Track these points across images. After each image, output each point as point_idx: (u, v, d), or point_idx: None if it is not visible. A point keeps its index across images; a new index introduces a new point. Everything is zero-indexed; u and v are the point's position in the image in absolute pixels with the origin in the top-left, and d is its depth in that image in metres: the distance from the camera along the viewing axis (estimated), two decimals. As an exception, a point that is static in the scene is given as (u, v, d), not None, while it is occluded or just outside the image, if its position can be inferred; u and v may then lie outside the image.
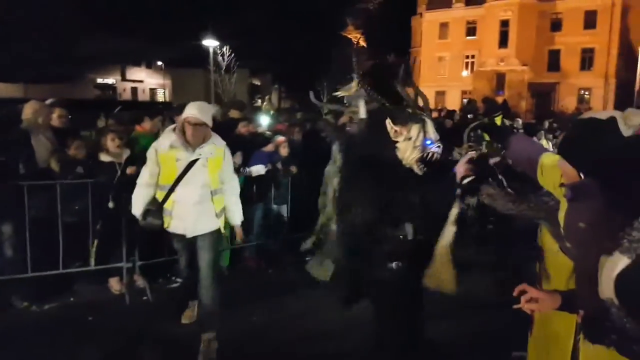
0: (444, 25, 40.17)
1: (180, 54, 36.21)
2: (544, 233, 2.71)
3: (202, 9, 32.52)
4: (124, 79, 41.92)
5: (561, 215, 2.28)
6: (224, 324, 3.63)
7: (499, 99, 31.35)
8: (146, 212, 3.49)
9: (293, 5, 33.21)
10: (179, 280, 4.68)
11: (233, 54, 35.00)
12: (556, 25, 36.37)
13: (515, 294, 1.72)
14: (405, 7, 41.48)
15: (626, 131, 1.69)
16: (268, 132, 6.60)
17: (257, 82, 45.09)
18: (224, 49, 34.07)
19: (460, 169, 2.56)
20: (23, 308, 4.21)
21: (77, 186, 4.39)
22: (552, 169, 2.37)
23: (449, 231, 2.57)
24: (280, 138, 5.64)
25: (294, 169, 5.48)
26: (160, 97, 43.50)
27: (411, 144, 2.58)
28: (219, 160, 3.55)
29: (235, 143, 4.86)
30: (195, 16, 31.90)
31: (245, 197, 4.65)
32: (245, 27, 34.00)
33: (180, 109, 5.74)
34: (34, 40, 27.18)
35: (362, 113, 3.57)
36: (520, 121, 14.50)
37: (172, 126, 3.64)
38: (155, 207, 3.48)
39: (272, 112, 10.90)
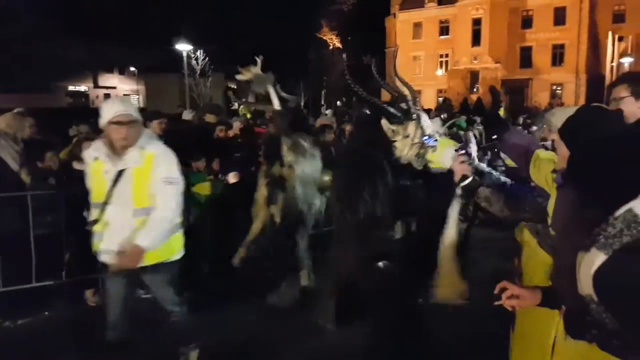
0: (417, 25, 40.57)
1: (154, 59, 35.72)
2: (522, 228, 2.74)
3: (174, 13, 32.15)
4: (96, 85, 41.15)
5: (550, 204, 2.30)
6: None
7: (474, 97, 31.86)
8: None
9: (268, 8, 33.11)
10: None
11: (207, 58, 34.69)
12: (527, 22, 37.09)
13: (496, 291, 1.74)
14: (379, 8, 41.74)
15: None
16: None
17: (233, 86, 44.82)
18: (198, 52, 33.74)
19: (457, 168, 2.49)
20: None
21: (50, 197, 4.28)
22: (547, 163, 2.38)
23: (450, 233, 2.50)
24: None
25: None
26: (134, 103, 42.87)
27: (409, 142, 2.59)
28: (146, 170, 2.82)
29: (213, 148, 4.81)
30: (168, 20, 31.52)
31: (225, 205, 4.63)
32: (219, 30, 33.77)
33: (153, 114, 5.70)
34: (1, 49, 26.47)
35: (275, 103, 3.62)
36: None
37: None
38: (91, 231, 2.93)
39: (249, 115, 10.83)
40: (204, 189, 4.86)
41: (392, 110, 2.64)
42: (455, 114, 14.02)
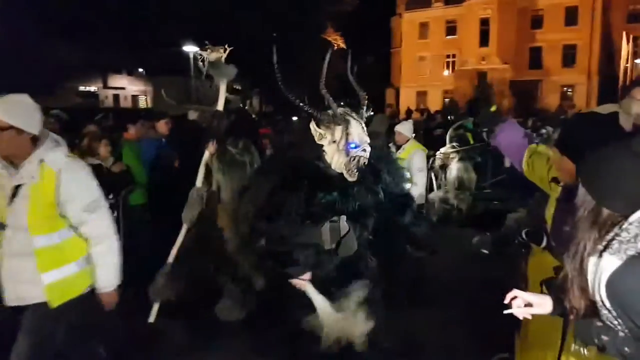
0: (423, 25, 40.45)
1: (161, 60, 35.89)
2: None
3: (182, 16, 32.25)
4: (105, 86, 41.50)
5: (549, 213, 2.25)
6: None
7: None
8: None
9: (272, 8, 33.13)
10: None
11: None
12: (537, 23, 36.82)
13: (506, 301, 1.70)
14: (384, 8, 41.69)
15: (627, 123, 1.66)
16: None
17: (238, 87, 44.90)
18: (204, 54, 33.83)
19: None
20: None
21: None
22: (542, 160, 2.33)
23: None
24: None
25: None
26: (142, 103, 43.12)
27: (335, 148, 2.45)
28: (46, 189, 2.31)
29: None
30: (176, 23, 31.62)
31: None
32: (224, 32, 33.87)
33: (159, 114, 5.76)
34: (14, 51, 26.74)
35: (220, 104, 3.48)
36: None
37: None
38: None
39: (254, 116, 10.87)
40: None
41: (313, 112, 2.50)
42: (462, 115, 13.94)
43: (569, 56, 36.48)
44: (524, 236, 2.45)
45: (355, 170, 2.40)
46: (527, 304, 1.70)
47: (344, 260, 2.49)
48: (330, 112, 2.49)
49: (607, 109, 1.82)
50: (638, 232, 1.34)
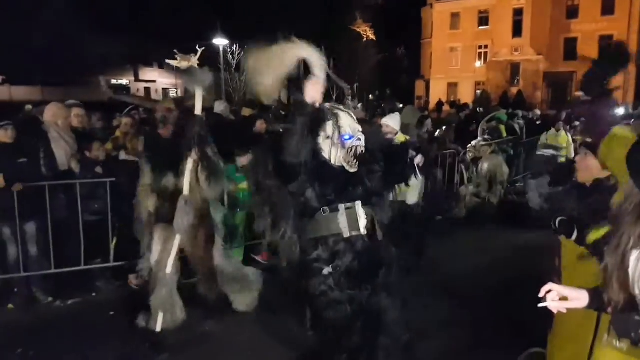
0: (455, 16, 39.65)
1: (191, 53, 36.39)
2: None
3: (211, 8, 32.59)
4: (137, 79, 42.35)
5: (618, 195, 2.20)
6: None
7: (514, 90, 30.97)
8: None
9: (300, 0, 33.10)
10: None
11: (243, 53, 34.98)
12: (572, 13, 35.61)
13: (541, 294, 1.69)
14: (415, -1, 41.07)
15: None
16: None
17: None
18: (234, 47, 34.13)
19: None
20: (48, 303, 4.34)
21: (97, 185, 4.50)
22: (621, 144, 2.24)
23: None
24: None
25: None
26: (173, 96, 43.84)
27: (330, 143, 2.51)
28: None
29: (252, 141, 4.91)
30: (205, 15, 31.99)
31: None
32: (254, 24, 34.04)
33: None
34: (49, 44, 27.57)
35: (197, 109, 3.25)
36: (538, 112, 14.33)
37: None
38: None
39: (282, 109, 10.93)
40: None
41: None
42: (495, 107, 13.71)
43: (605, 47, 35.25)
44: (556, 225, 2.44)
45: (355, 161, 2.49)
46: (562, 297, 1.67)
47: (366, 247, 2.51)
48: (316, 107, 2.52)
49: None
50: None
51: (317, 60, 2.54)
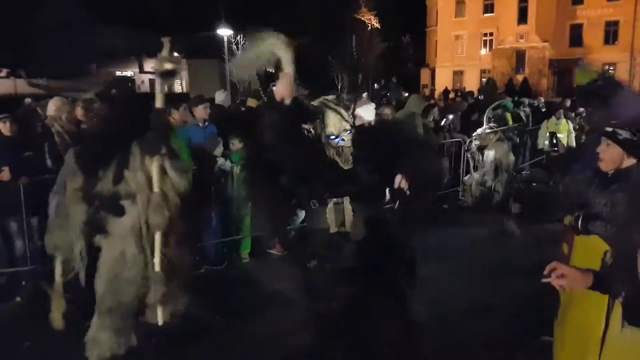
0: (460, 3, 39.25)
1: (196, 44, 36.29)
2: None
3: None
4: (141, 71, 42.28)
5: None
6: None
7: (519, 77, 30.72)
8: None
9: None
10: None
11: (247, 43, 34.83)
12: (578, -2, 35.26)
13: (546, 271, 1.71)
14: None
15: None
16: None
17: (271, 70, 44.97)
18: (238, 37, 34.00)
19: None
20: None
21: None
22: None
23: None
24: None
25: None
26: (178, 88, 43.79)
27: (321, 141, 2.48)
28: None
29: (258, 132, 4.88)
30: (209, 5, 31.86)
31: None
32: (257, 14, 33.86)
33: (198, 99, 5.86)
34: (53, 36, 27.58)
35: (159, 100, 2.91)
36: (542, 99, 14.21)
37: None
38: None
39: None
40: None
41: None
42: (500, 94, 13.59)
43: (610, 33, 34.78)
44: (573, 222, 2.43)
45: (350, 158, 2.43)
46: (567, 275, 1.69)
47: (363, 244, 2.43)
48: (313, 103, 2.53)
49: None
50: None
51: (286, 55, 2.49)
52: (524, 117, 9.87)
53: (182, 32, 36.71)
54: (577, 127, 9.67)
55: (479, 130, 7.31)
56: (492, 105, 7.91)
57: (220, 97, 7.95)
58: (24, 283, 4.38)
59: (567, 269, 1.70)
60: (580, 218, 2.38)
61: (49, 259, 4.29)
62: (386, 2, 38.18)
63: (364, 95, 14.56)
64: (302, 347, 2.63)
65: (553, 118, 8.89)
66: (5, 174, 3.99)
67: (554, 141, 8.07)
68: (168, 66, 2.95)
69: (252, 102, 6.86)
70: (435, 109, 8.75)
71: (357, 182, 2.45)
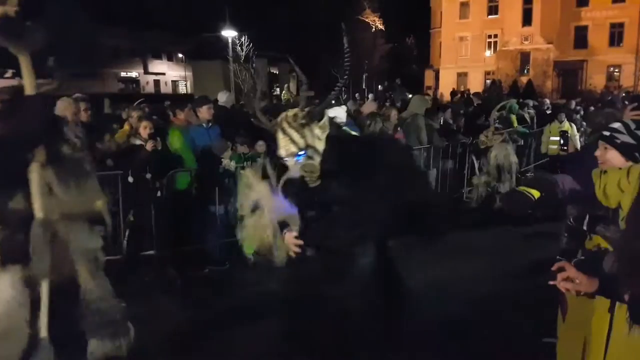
0: (464, 5, 39.19)
1: (200, 45, 36.41)
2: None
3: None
4: (146, 72, 42.43)
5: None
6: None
7: (524, 79, 30.64)
8: None
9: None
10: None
11: (251, 44, 34.94)
12: (582, 0, 35.12)
13: (554, 268, 1.72)
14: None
15: None
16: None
17: (275, 71, 45.01)
18: (242, 39, 34.07)
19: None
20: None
21: (108, 178, 4.53)
22: (613, 184, 2.17)
23: None
24: None
25: None
26: (182, 89, 43.92)
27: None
28: None
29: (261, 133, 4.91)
30: (214, 7, 31.96)
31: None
32: (261, 16, 33.98)
33: (202, 100, 5.88)
34: (59, 37, 27.75)
35: (29, 84, 2.30)
36: (547, 101, 14.19)
37: None
38: None
39: (290, 100, 10.90)
40: None
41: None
42: (505, 96, 13.55)
43: (615, 35, 34.60)
44: (585, 226, 2.42)
45: (313, 178, 2.24)
46: (574, 279, 1.69)
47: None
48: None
49: None
50: None
51: None
52: (528, 119, 9.86)
53: (187, 34, 36.91)
54: (582, 129, 9.66)
55: (485, 132, 7.30)
56: (498, 107, 7.90)
57: (223, 97, 7.98)
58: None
59: (575, 272, 1.69)
60: (586, 219, 2.38)
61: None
62: (390, 4, 38.23)
63: (370, 96, 14.52)
64: (307, 348, 2.62)
65: (556, 122, 8.86)
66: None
67: (562, 141, 8.02)
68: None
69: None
70: (449, 111, 8.75)
71: (323, 199, 2.27)
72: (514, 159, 7.17)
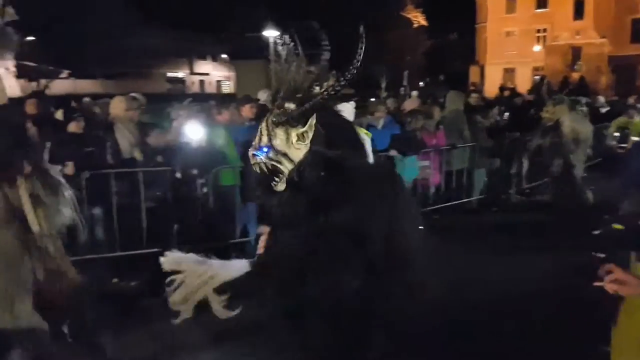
0: (511, -1, 38.14)
1: (243, 45, 37.05)
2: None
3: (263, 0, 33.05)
4: (192, 72, 43.55)
5: None
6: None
7: (575, 75, 29.40)
8: None
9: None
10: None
11: (292, 43, 35.20)
12: (640, -9, 33.41)
13: (601, 271, 1.68)
14: (469, -17, 39.71)
15: None
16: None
17: (314, 70, 45.28)
18: (284, 38, 34.40)
19: None
20: (113, 283, 4.60)
21: (157, 173, 4.74)
22: None
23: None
24: None
25: None
26: (226, 88, 44.81)
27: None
28: None
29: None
30: (256, 6, 32.47)
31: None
32: (302, 15, 34.19)
33: (244, 99, 6.05)
34: (108, 39, 28.85)
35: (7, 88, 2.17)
36: (601, 98, 13.54)
37: None
38: None
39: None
40: None
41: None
42: (556, 93, 13.03)
43: (678, 27, 32.77)
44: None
45: (278, 181, 1.98)
46: (622, 281, 1.64)
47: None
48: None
49: None
50: None
51: None
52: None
53: (230, 34, 37.62)
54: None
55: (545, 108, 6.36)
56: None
57: (263, 96, 8.14)
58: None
59: (622, 274, 1.65)
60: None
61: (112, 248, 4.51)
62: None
63: (413, 93, 14.32)
64: (315, 349, 2.54)
65: (624, 117, 8.40)
66: (70, 168, 4.25)
67: (620, 137, 7.60)
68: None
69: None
70: (496, 109, 8.50)
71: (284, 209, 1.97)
72: (589, 126, 6.11)
